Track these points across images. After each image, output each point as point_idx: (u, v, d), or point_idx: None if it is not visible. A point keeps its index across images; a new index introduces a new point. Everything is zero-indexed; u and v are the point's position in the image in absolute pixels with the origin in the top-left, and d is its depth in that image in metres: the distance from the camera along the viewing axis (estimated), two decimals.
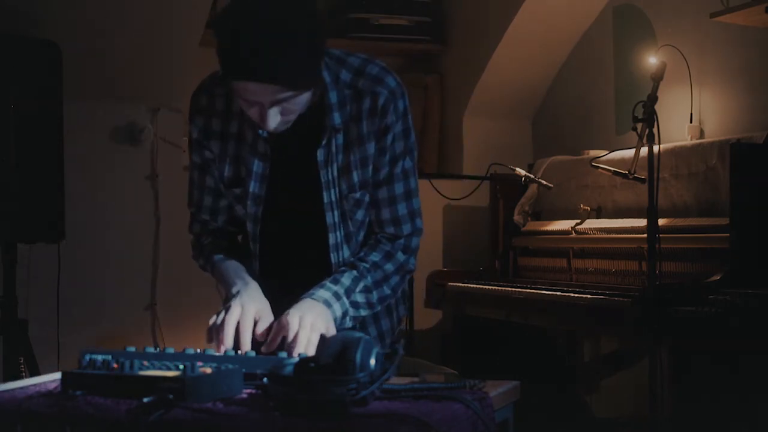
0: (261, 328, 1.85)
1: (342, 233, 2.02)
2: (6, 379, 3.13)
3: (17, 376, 3.08)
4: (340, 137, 1.96)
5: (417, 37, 4.61)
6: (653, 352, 2.76)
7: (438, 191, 3.82)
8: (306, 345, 1.79)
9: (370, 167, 1.99)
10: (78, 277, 3.77)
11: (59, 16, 3.57)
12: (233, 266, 2.02)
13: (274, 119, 1.82)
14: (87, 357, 1.69)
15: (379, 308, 2.05)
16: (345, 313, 1.95)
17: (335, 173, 1.98)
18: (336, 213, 2.00)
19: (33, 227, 3.23)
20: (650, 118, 2.87)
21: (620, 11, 4.10)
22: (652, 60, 3.41)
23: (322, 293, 1.91)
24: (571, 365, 3.99)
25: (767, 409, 2.60)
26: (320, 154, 1.96)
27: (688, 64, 3.60)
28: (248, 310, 1.85)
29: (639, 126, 2.90)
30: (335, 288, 1.93)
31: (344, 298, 1.94)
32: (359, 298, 1.99)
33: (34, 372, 3.13)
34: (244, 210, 2.05)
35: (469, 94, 4.54)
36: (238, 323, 1.83)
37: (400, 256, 2.05)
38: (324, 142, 1.95)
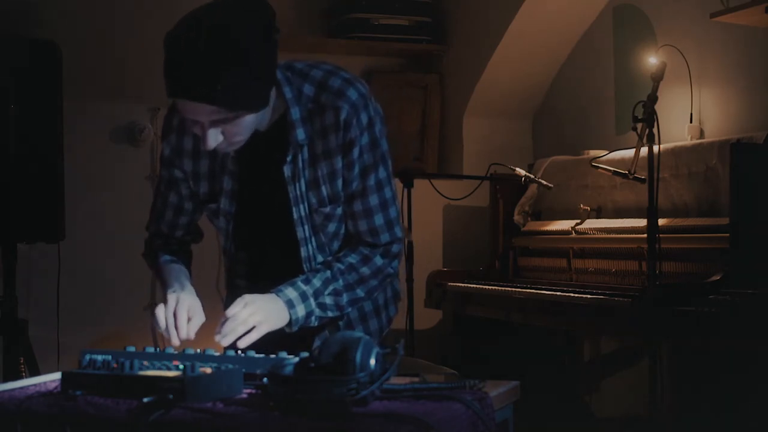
0: (192, 325, 1.91)
1: (314, 245, 2.04)
2: (6, 379, 3.13)
3: (17, 376, 3.08)
4: (305, 152, 1.97)
5: (417, 37, 4.60)
6: (653, 352, 2.76)
7: (438, 191, 3.81)
8: (238, 341, 1.83)
9: (339, 181, 1.99)
10: (78, 277, 3.77)
11: (59, 16, 3.57)
12: (175, 270, 2.08)
13: (213, 139, 1.84)
14: (87, 357, 1.69)
15: (349, 310, 2.07)
16: (310, 314, 1.97)
17: (303, 188, 1.99)
18: (306, 227, 2.02)
19: (33, 227, 3.24)
20: (650, 118, 2.87)
21: (620, 11, 4.10)
22: (652, 60, 3.40)
23: (290, 292, 1.94)
24: (571, 365, 3.99)
25: (767, 409, 2.60)
26: (287, 170, 1.97)
27: (688, 64, 3.60)
28: (182, 303, 1.91)
29: (639, 126, 2.90)
30: (304, 288, 1.96)
31: (311, 299, 1.96)
32: (327, 300, 2.01)
33: (34, 372, 3.13)
34: (219, 224, 2.11)
35: (469, 94, 4.53)
36: (176, 312, 1.90)
37: (378, 260, 2.05)
38: (289, 159, 1.97)
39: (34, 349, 3.26)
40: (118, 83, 3.89)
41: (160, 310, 1.90)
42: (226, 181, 2.03)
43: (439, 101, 4.71)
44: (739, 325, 2.55)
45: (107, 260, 3.95)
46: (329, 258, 2.04)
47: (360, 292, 2.04)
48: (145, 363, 1.66)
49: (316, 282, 1.97)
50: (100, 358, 1.67)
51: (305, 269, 2.04)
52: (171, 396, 1.47)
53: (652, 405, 2.77)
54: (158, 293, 4.02)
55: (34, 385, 1.73)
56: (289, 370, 1.56)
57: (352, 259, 2.03)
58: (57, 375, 1.73)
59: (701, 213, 3.16)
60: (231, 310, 1.86)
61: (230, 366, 1.60)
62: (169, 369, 1.62)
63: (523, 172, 3.76)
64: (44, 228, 3.26)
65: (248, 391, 1.62)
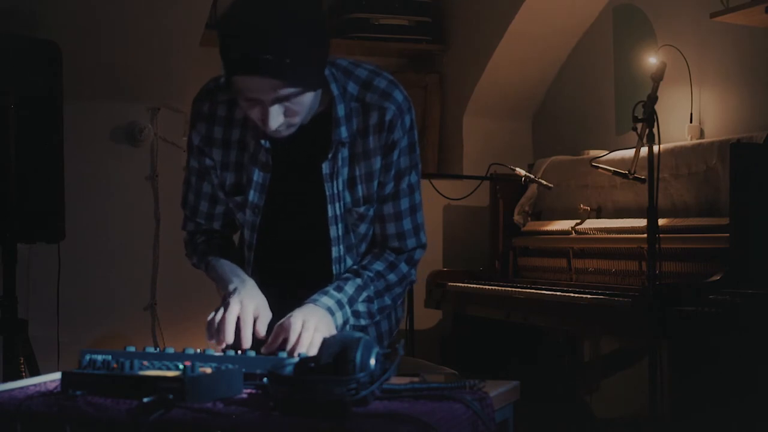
0: (261, 324, 1.85)
1: (344, 246, 2.01)
2: (6, 379, 3.13)
3: (17, 376, 3.08)
4: (345, 151, 1.95)
5: (417, 37, 4.60)
6: (653, 352, 2.76)
7: (438, 191, 3.82)
8: (308, 347, 1.78)
9: (375, 182, 1.98)
10: (78, 277, 3.77)
11: (59, 16, 3.57)
12: (228, 265, 2.01)
13: (276, 119, 1.80)
14: (87, 357, 1.69)
15: (378, 318, 2.05)
16: (346, 322, 1.95)
17: (340, 187, 1.97)
18: (340, 226, 1.99)
19: (33, 227, 3.23)
20: (650, 118, 2.87)
21: (620, 11, 4.10)
22: (652, 60, 3.41)
23: (326, 300, 1.90)
24: (571, 365, 3.99)
25: (767, 409, 2.60)
26: (326, 167, 1.95)
27: (688, 64, 3.60)
28: (247, 306, 1.85)
29: (639, 126, 2.90)
30: (338, 296, 1.93)
31: (347, 307, 1.94)
32: (361, 307, 1.99)
33: (34, 372, 3.13)
34: (243, 217, 2.05)
35: (469, 94, 4.54)
36: (238, 319, 1.82)
37: (403, 267, 2.05)
38: (330, 156, 1.94)
39: (34, 349, 3.25)
40: (118, 83, 3.89)
41: (230, 324, 1.80)
42: (256, 174, 1.98)
43: (439, 101, 4.71)
44: (739, 325, 2.55)
45: (107, 260, 3.95)
46: (356, 266, 2.02)
47: (387, 300, 2.03)
48: (145, 363, 1.66)
49: (349, 289, 1.95)
50: (100, 358, 1.67)
51: (333, 270, 2.01)
52: (171, 396, 1.46)
53: (652, 405, 2.77)
54: (158, 293, 4.03)
55: (34, 385, 1.73)
56: (289, 370, 1.56)
57: (378, 266, 2.01)
58: (57, 375, 1.73)
59: (701, 213, 3.16)
60: (294, 330, 1.78)
61: (230, 366, 1.60)
62: (169, 369, 1.62)
63: (523, 172, 3.76)
64: (44, 228, 3.26)
65: (248, 391, 1.61)
